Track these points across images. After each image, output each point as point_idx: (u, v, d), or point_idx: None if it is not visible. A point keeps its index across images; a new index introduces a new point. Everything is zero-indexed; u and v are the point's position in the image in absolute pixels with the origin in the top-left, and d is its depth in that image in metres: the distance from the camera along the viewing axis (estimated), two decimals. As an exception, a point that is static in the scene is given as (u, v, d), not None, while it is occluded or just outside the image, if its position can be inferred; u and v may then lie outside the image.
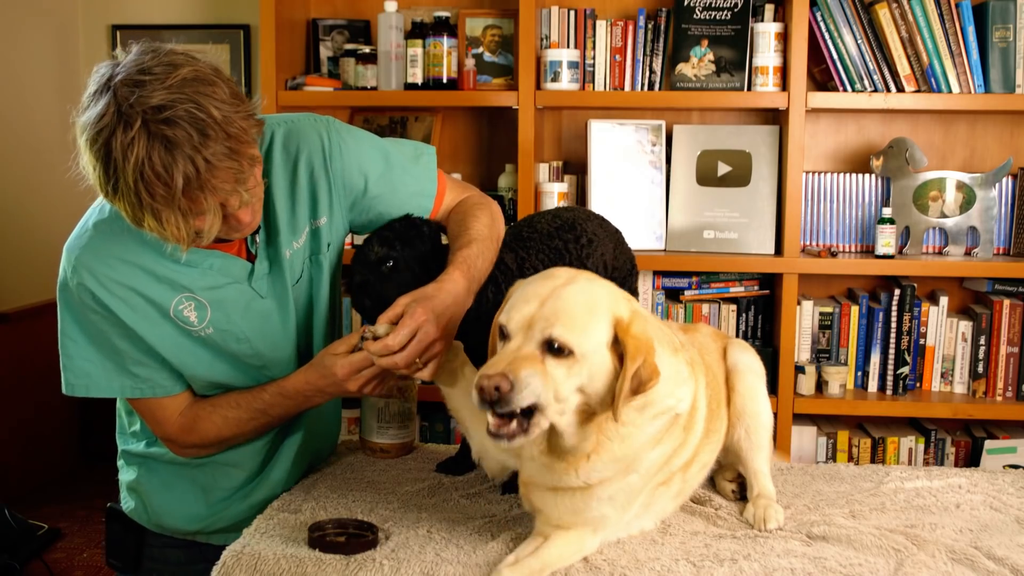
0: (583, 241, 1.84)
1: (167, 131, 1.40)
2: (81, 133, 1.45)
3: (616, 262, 1.92)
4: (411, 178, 1.86)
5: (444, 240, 1.85)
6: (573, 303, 1.39)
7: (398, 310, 1.57)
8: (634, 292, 1.99)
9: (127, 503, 1.91)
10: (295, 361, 1.80)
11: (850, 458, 3.18)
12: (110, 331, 1.66)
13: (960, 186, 3.11)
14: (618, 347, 1.39)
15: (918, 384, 3.17)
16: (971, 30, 2.98)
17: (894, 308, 3.10)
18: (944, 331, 3.14)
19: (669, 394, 1.47)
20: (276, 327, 1.76)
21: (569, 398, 1.38)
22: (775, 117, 3.20)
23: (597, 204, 3.18)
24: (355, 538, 1.54)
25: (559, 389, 1.36)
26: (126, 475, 1.90)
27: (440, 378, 1.65)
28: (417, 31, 3.19)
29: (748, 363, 1.79)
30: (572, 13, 3.21)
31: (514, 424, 1.37)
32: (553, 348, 1.36)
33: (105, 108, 1.42)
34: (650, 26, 3.17)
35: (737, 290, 3.22)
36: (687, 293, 3.22)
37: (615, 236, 1.96)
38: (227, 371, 1.74)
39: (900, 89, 3.02)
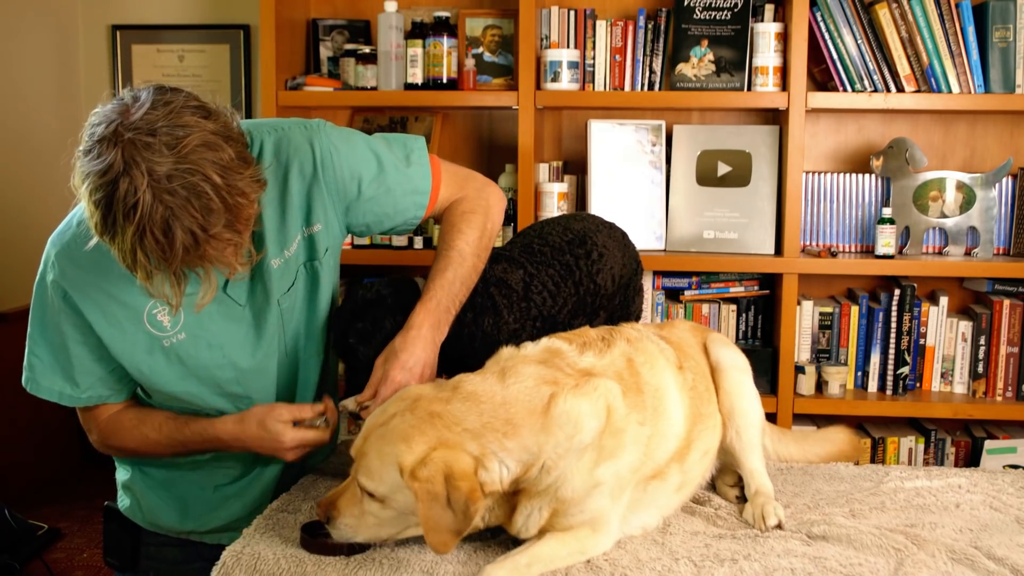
0: (594, 256, 1.86)
1: (171, 200, 1.38)
2: (83, 180, 1.42)
3: (624, 269, 1.93)
4: (405, 177, 1.83)
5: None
6: (374, 451, 1.44)
7: (378, 374, 1.65)
8: (640, 289, 2.00)
9: (123, 501, 1.92)
10: (275, 372, 1.79)
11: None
12: (70, 334, 1.67)
13: (960, 186, 3.11)
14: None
15: (918, 384, 3.17)
16: (971, 30, 2.98)
17: (894, 308, 3.10)
18: (944, 331, 3.14)
19: (556, 444, 1.44)
20: (251, 336, 1.74)
21: (394, 527, 1.46)
22: (775, 117, 3.20)
23: (597, 204, 3.18)
24: None
25: (380, 522, 1.45)
26: (121, 474, 1.92)
27: None
28: (417, 31, 3.19)
29: (731, 359, 1.78)
30: (572, 13, 3.21)
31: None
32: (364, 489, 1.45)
33: (110, 164, 1.38)
34: (650, 26, 3.17)
35: (737, 290, 3.22)
36: (687, 293, 3.22)
37: (621, 241, 1.97)
38: (195, 387, 1.72)
39: (900, 89, 3.02)
